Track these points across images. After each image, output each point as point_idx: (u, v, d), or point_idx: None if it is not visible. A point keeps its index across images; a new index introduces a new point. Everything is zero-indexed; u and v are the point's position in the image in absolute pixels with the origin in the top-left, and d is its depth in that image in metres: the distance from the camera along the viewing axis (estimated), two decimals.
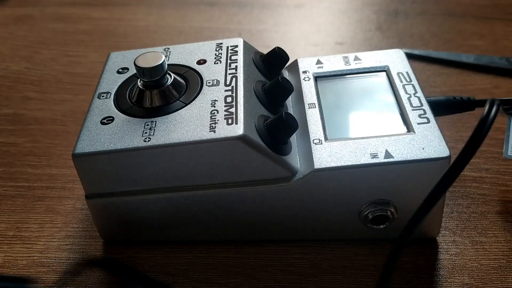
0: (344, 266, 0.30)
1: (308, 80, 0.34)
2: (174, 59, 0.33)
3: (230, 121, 0.27)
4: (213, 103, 0.29)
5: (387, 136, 0.28)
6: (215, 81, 0.30)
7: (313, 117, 0.31)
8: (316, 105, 0.31)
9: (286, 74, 0.35)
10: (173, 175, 0.28)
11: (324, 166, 0.27)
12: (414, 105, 0.30)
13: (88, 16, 0.58)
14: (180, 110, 0.29)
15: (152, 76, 0.29)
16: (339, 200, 0.29)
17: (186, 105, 0.29)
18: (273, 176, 0.28)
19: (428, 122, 0.29)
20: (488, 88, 0.44)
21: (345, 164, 0.27)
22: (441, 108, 0.33)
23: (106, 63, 0.34)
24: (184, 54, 0.34)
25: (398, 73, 0.33)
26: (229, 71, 0.31)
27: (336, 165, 0.27)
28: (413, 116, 0.30)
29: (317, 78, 0.34)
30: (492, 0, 0.57)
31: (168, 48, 0.34)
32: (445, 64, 0.47)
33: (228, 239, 0.31)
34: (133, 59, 0.30)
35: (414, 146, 0.28)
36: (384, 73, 0.34)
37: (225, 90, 0.29)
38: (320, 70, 0.34)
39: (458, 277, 0.29)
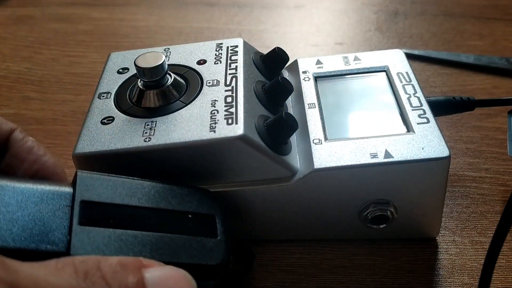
0: (344, 266, 0.30)
1: (308, 80, 0.34)
2: (174, 59, 0.33)
3: (230, 121, 0.27)
4: (213, 103, 0.29)
5: (387, 136, 0.29)
6: (215, 81, 0.30)
7: (313, 117, 0.31)
8: (316, 105, 0.31)
9: (286, 74, 0.35)
10: (173, 175, 0.28)
11: (324, 166, 0.27)
12: (414, 105, 0.30)
13: (88, 16, 0.58)
14: (180, 110, 0.29)
15: (152, 76, 0.29)
16: (339, 200, 0.29)
17: (186, 105, 0.29)
18: (273, 176, 0.28)
19: (428, 122, 0.29)
20: (487, 88, 0.44)
21: (345, 164, 0.27)
22: (441, 108, 0.34)
23: (106, 63, 0.34)
24: (184, 54, 0.34)
25: (397, 73, 0.33)
26: (229, 71, 0.31)
27: (336, 165, 0.27)
28: (412, 116, 0.30)
29: (317, 78, 0.34)
30: (492, 0, 0.57)
31: (168, 48, 0.35)
32: (445, 64, 0.47)
33: None
34: (133, 59, 0.30)
35: (414, 146, 0.28)
36: (384, 73, 0.34)
37: (225, 90, 0.29)
38: (320, 70, 0.34)
39: (458, 277, 0.29)
